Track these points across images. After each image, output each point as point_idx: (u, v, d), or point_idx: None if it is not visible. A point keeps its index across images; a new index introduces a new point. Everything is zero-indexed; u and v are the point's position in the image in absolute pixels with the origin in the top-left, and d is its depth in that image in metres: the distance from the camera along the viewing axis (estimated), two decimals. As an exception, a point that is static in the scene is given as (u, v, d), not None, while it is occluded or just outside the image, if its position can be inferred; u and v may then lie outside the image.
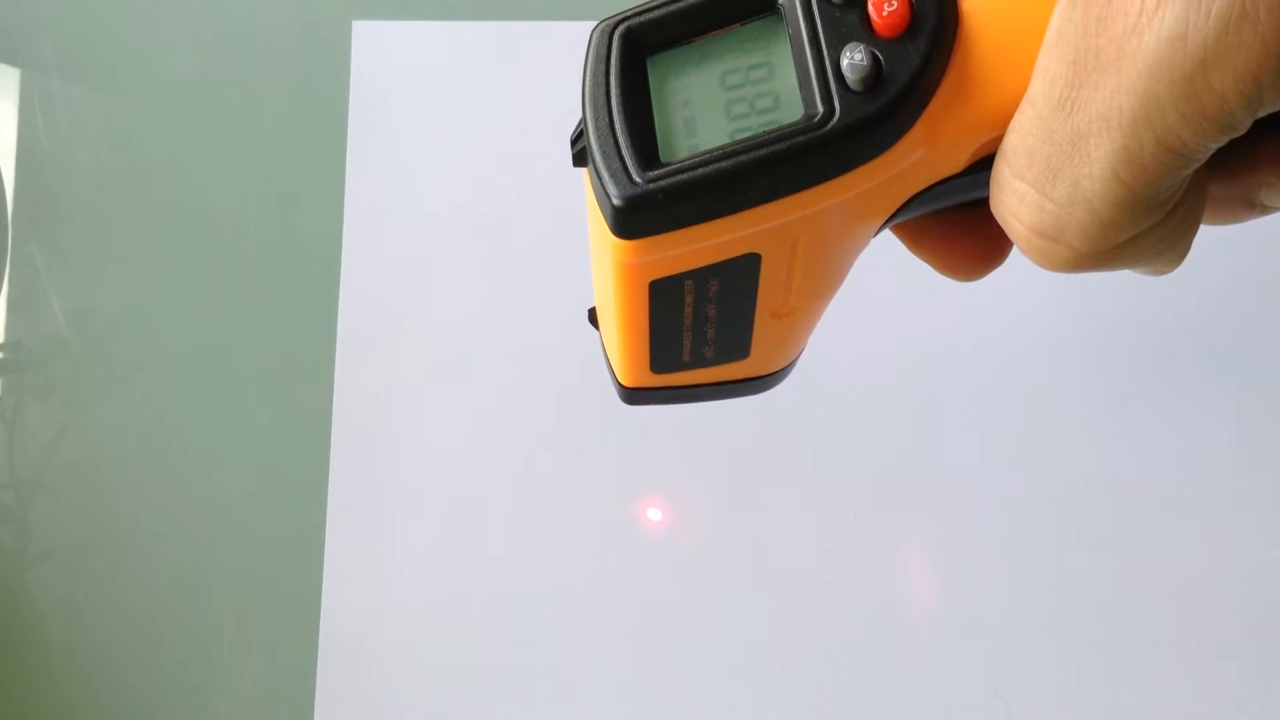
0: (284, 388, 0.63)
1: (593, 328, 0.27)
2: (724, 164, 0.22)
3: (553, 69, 0.63)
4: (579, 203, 0.61)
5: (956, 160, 0.23)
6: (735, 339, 0.25)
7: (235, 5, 0.66)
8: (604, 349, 0.27)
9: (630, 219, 0.22)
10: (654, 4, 0.23)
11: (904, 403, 0.60)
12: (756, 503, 0.60)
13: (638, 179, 0.22)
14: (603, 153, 0.22)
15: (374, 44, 0.65)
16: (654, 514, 0.61)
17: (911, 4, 0.22)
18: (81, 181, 0.65)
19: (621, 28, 0.23)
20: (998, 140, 0.22)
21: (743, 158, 0.22)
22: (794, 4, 0.22)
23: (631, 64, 0.23)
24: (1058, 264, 0.21)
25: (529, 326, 0.62)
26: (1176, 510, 0.58)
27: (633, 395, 0.27)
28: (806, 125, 0.21)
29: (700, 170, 0.22)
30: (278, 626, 0.62)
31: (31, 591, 0.63)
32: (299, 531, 0.61)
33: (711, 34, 0.23)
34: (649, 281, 0.23)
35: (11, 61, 0.66)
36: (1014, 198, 0.21)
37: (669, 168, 0.22)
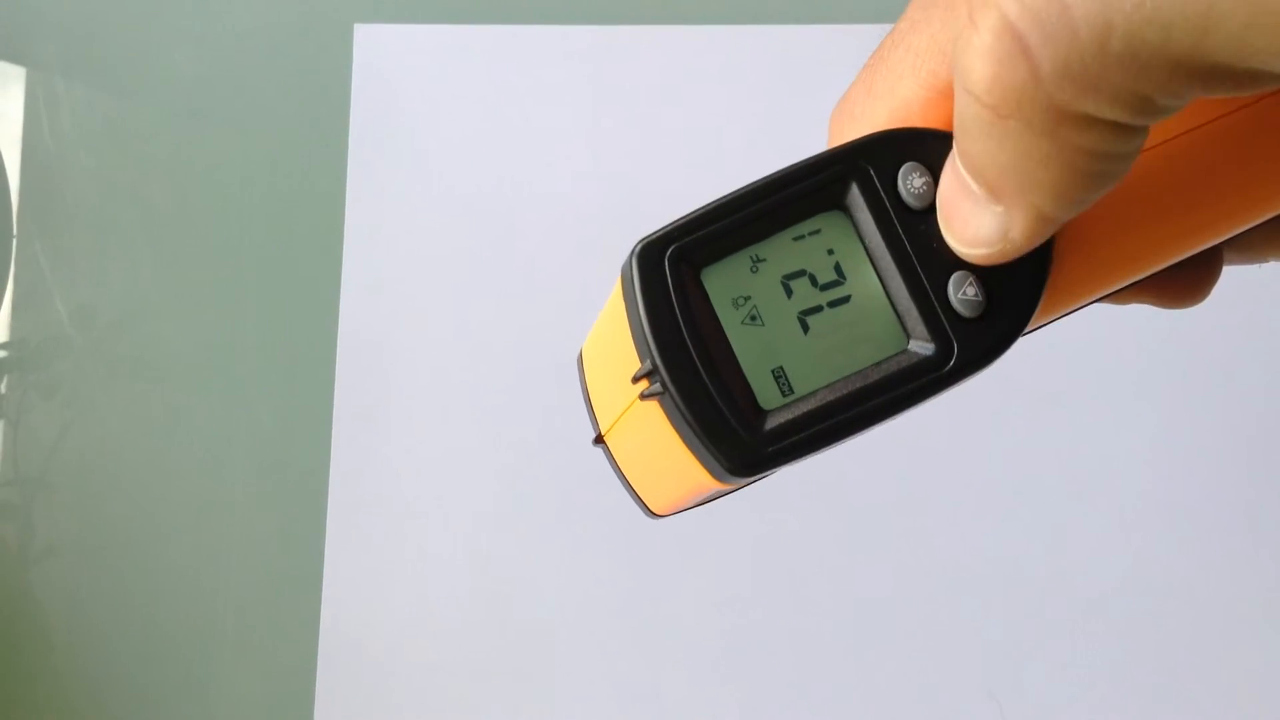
0: (286, 387, 0.64)
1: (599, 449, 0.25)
2: (840, 417, 0.20)
3: (555, 74, 0.64)
4: (581, 206, 0.61)
5: (1056, 313, 0.22)
6: None
7: (237, 7, 0.66)
8: (620, 477, 0.25)
9: (738, 476, 0.20)
10: (700, 216, 0.21)
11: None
12: (751, 501, 0.60)
13: (746, 438, 0.20)
14: (694, 410, 0.20)
15: (376, 47, 0.65)
16: None
17: None
18: (85, 181, 0.66)
19: (672, 252, 0.21)
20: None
21: (861, 408, 0.20)
22: (864, 209, 0.21)
23: (692, 291, 0.21)
24: (1009, 101, 0.17)
25: (530, 327, 0.62)
26: (1171, 510, 0.58)
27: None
28: (924, 365, 0.20)
29: (816, 428, 0.20)
30: (278, 623, 0.62)
31: (34, 588, 0.63)
32: (300, 530, 0.62)
33: (774, 234, 0.21)
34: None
35: (16, 61, 0.66)
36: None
37: (779, 425, 0.20)
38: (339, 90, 0.65)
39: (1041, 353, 0.59)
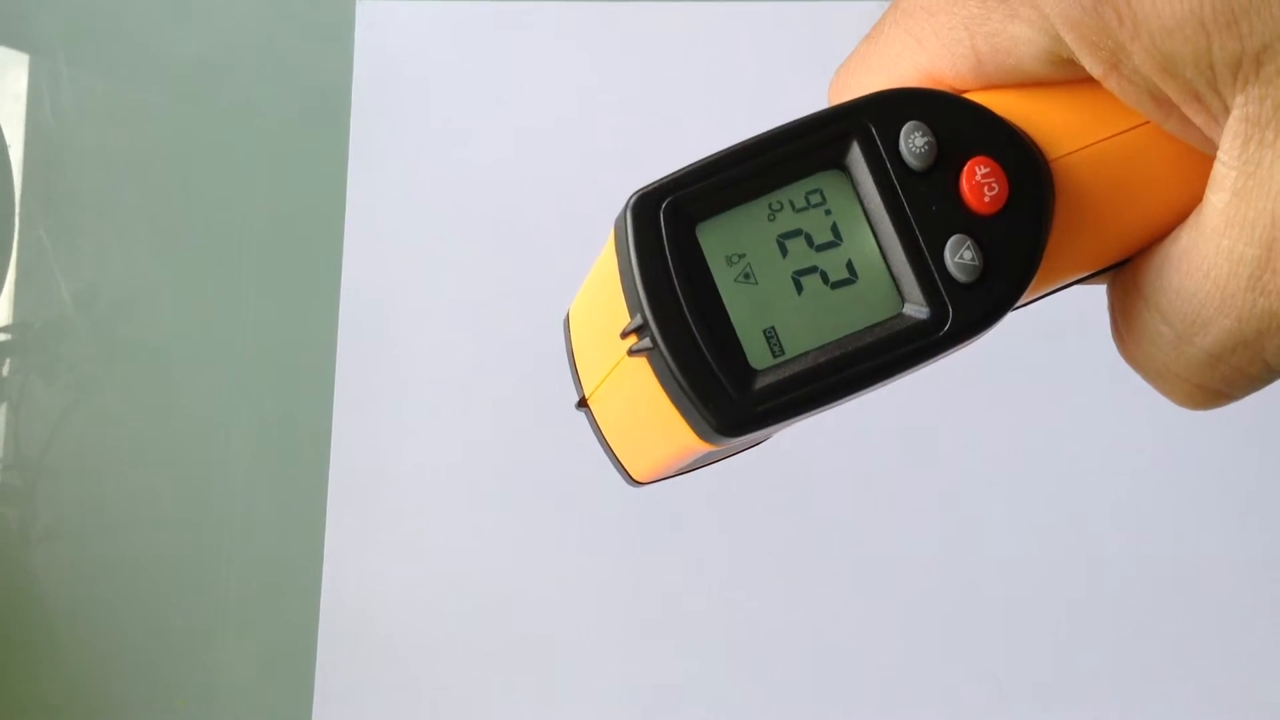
0: (287, 370, 0.63)
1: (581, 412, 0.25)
2: (832, 378, 0.20)
3: (559, 50, 0.63)
4: (586, 187, 0.61)
5: (1052, 285, 0.22)
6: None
7: (240, -13, 0.66)
8: (603, 442, 0.25)
9: (725, 435, 0.20)
10: (698, 169, 0.21)
11: (901, 388, 0.59)
12: (756, 486, 0.60)
13: (735, 396, 0.20)
14: (683, 366, 0.20)
15: (378, 25, 0.65)
16: None
17: (1010, 180, 0.20)
18: (88, 163, 0.66)
19: (668, 205, 0.20)
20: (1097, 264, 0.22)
21: (851, 371, 0.20)
22: (864, 168, 0.20)
23: (686, 245, 0.20)
24: (1207, 405, 0.23)
25: (534, 307, 0.62)
26: (1168, 493, 0.58)
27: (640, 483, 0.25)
28: (918, 328, 0.20)
29: (806, 388, 0.20)
30: (279, 606, 0.62)
31: (36, 570, 0.63)
32: (301, 513, 0.62)
33: (771, 192, 0.21)
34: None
35: (19, 44, 0.66)
36: (1179, 359, 0.21)
37: (769, 384, 0.20)
38: (341, 68, 0.64)
39: (1040, 338, 0.59)
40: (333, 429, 0.62)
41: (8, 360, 0.65)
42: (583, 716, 0.60)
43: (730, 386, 0.20)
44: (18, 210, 0.65)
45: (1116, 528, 0.58)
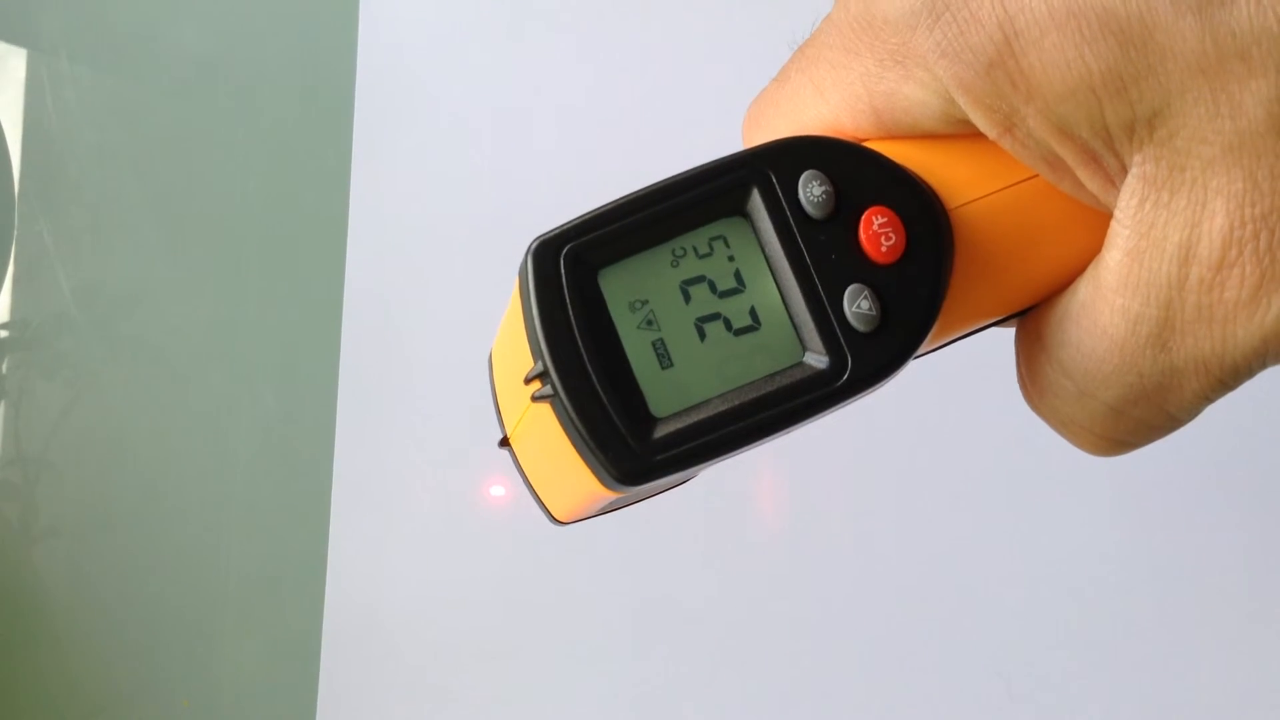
0: (290, 366, 0.63)
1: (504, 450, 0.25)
2: (732, 427, 0.20)
3: (562, 40, 0.63)
4: (589, 178, 0.60)
5: (954, 334, 0.22)
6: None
7: (242, -21, 0.66)
8: (525, 481, 0.24)
9: (626, 483, 0.20)
10: (599, 216, 0.20)
11: (905, 384, 0.59)
12: (757, 486, 0.60)
13: (635, 445, 0.20)
14: (583, 415, 0.20)
15: (381, 17, 0.64)
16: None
17: (908, 230, 0.20)
18: (88, 158, 0.65)
19: (568, 251, 0.20)
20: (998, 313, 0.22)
21: (753, 420, 0.20)
22: (765, 216, 0.20)
23: (587, 292, 0.20)
24: (1111, 453, 0.22)
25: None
26: (1172, 492, 0.58)
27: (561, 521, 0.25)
28: (818, 378, 0.20)
29: (706, 438, 0.20)
30: (282, 605, 0.62)
31: (37, 567, 0.63)
32: (304, 509, 0.62)
33: (674, 238, 0.21)
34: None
35: (19, 40, 0.66)
36: (1083, 411, 0.21)
37: (669, 433, 0.20)
38: (345, 63, 0.64)
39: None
40: (336, 426, 0.62)
41: (7, 356, 0.64)
42: (584, 717, 0.59)
43: (630, 435, 0.20)
44: (17, 205, 0.65)
45: (1121, 529, 0.58)
